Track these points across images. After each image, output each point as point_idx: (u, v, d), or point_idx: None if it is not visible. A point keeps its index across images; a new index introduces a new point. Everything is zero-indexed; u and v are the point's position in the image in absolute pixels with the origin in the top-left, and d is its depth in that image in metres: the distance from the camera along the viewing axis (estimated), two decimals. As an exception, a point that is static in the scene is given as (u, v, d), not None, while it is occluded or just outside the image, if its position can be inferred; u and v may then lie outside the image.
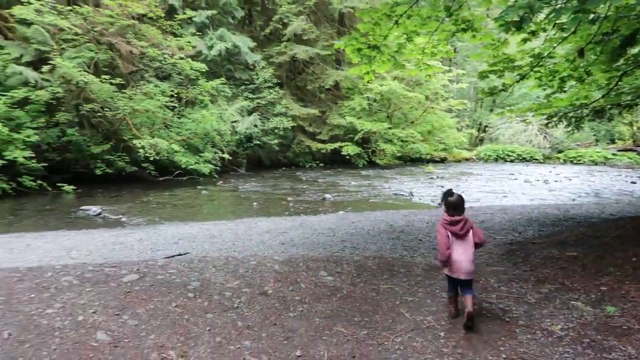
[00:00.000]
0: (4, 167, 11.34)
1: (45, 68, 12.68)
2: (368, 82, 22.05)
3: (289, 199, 12.62)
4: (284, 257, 5.36)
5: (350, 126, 22.86)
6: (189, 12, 18.11)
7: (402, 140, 23.79)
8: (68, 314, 3.34)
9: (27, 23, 13.16)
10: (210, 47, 18.26)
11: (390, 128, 23.65)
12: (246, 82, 20.89)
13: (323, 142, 23.26)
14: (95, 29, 14.21)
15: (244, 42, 19.89)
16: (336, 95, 24.98)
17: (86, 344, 3.00)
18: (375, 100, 24.25)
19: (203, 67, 15.92)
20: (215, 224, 8.78)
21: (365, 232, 7.58)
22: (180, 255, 5.68)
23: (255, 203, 11.76)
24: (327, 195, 12.86)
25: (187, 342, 3.17)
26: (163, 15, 16.08)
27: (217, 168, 15.79)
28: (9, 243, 7.08)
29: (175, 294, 3.89)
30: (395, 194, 13.57)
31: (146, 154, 13.45)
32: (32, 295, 3.58)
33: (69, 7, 14.00)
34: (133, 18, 15.00)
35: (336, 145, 22.85)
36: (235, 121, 17.39)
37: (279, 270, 4.74)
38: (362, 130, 22.59)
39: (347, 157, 22.97)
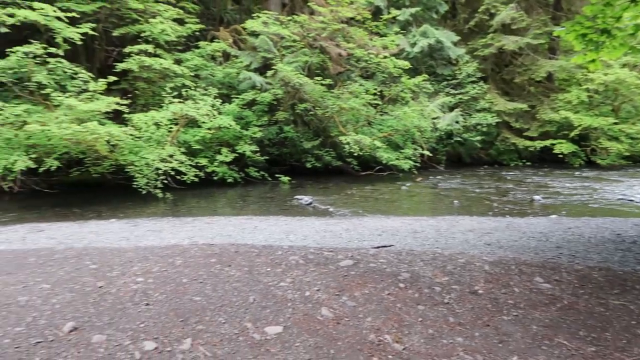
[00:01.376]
0: (236, 159, 13.27)
1: (269, 73, 14.42)
2: (590, 71, 19.49)
3: (493, 198, 11.98)
4: (493, 258, 5.12)
5: (564, 122, 20.54)
6: (393, 12, 18.54)
7: (631, 138, 20.42)
8: (297, 288, 3.77)
9: (256, 34, 15.14)
10: (413, 44, 18.42)
11: (616, 123, 20.52)
12: (448, 78, 20.47)
13: (531, 139, 21.39)
14: (309, 35, 15.60)
15: (447, 37, 19.52)
16: (548, 88, 22.71)
17: (313, 317, 3.34)
18: (597, 92, 21.31)
19: (406, 64, 16.16)
20: (416, 219, 8.85)
21: (585, 239, 6.77)
22: (385, 247, 5.89)
23: (455, 201, 11.48)
24: (536, 197, 11.81)
25: (401, 329, 3.28)
26: (370, 16, 16.79)
27: (417, 164, 15.89)
28: (241, 224, 8.28)
29: (387, 282, 4.06)
30: (622, 199, 11.74)
31: (351, 150, 14.27)
32: (268, 269, 4.14)
33: (289, 17, 15.65)
34: (342, 22, 16.01)
35: (547, 142, 20.79)
36: (436, 118, 17.24)
37: (489, 271, 4.55)
38: (579, 125, 20.10)
39: (560, 155, 20.71)
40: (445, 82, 20.35)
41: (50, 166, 10.51)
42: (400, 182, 14.42)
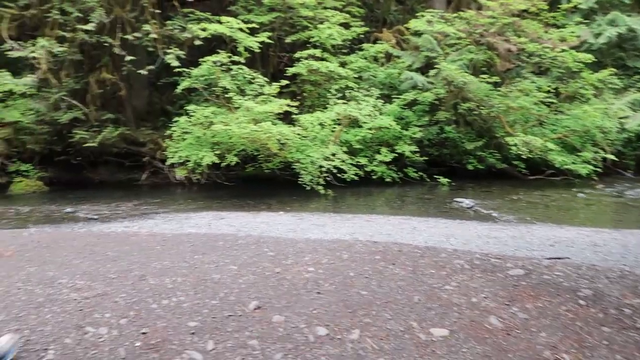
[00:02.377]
0: (395, 159, 13.33)
1: (431, 72, 14.17)
2: None
3: (697, 212, 10.12)
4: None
5: None
6: (574, 0, 16.73)
7: None
8: (463, 293, 3.67)
9: (419, 34, 15.00)
10: (598, 35, 16.37)
11: None
12: (640, 71, 17.78)
13: None
14: (476, 31, 14.92)
15: (640, 24, 16.94)
16: None
17: (480, 324, 3.22)
18: None
19: (589, 57, 14.46)
20: (596, 231, 7.90)
21: None
22: (560, 258, 5.39)
23: (647, 213, 9.98)
24: None
25: (582, 351, 2.98)
26: (546, 7, 15.42)
27: (598, 169, 14.12)
28: (400, 224, 8.31)
29: (564, 297, 3.72)
30: None
31: (518, 152, 13.29)
32: (432, 271, 4.11)
33: (454, 14, 15.17)
34: (513, 15, 14.98)
35: None
36: (624, 117, 15.08)
37: (697, 298, 3.87)
38: None
39: None
40: (637, 76, 17.71)
41: (230, 162, 11.83)
42: (576, 189, 13.00)
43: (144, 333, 2.85)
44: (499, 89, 14.57)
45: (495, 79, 14.32)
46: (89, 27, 12.03)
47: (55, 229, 6.68)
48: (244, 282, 3.74)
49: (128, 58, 12.31)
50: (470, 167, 14.27)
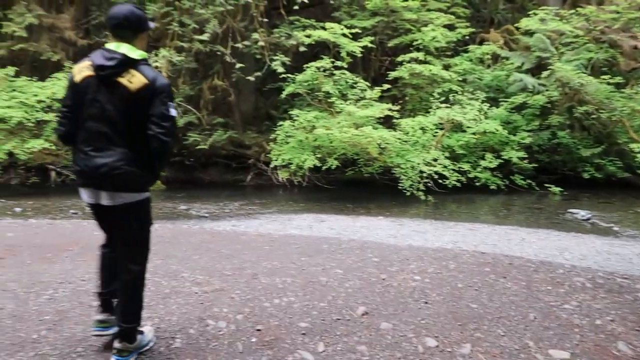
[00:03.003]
0: (500, 165, 12.69)
1: (543, 74, 13.29)
2: None
3: None
4: None
5: None
6: None
7: None
8: (585, 314, 3.40)
9: (530, 33, 14.15)
10: None
11: None
12: None
13: None
14: (596, 28, 13.75)
15: None
16: None
17: (607, 349, 2.96)
18: None
19: None
20: None
21: None
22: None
23: None
24: None
25: None
26: (680, -1, 13.79)
27: None
28: (507, 234, 7.89)
29: None
30: None
31: (644, 159, 12.02)
32: (549, 288, 3.86)
33: (572, 11, 14.11)
34: (640, 9, 13.59)
35: None
36: None
37: None
38: None
39: None
40: None
41: (331, 165, 12.04)
42: None
43: (258, 330, 3.00)
44: (622, 90, 13.29)
45: (618, 79, 13.09)
46: (204, 37, 12.93)
47: (174, 225, 7.26)
48: (350, 287, 3.79)
49: (238, 66, 13.03)
50: (586, 175, 13.16)
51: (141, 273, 2.58)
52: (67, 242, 5.25)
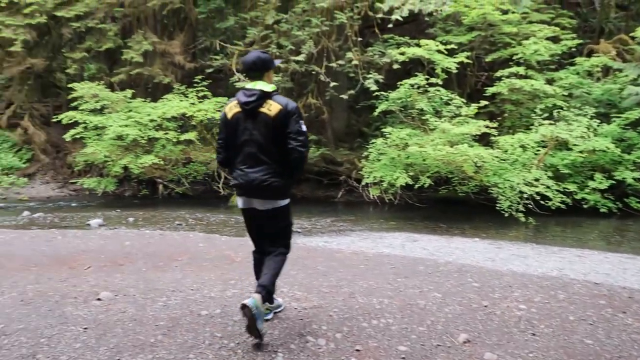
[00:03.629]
0: (612, 186, 11.66)
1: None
2: None
3: None
4: None
5: None
6: None
7: None
8: None
9: (648, 43, 12.96)
10: None
11: None
12: None
13: None
14: None
15: None
16: None
17: None
18: None
19: None
20: None
21: None
22: None
23: None
24: None
25: None
26: None
27: None
28: (621, 263, 7.22)
29: None
30: None
31: None
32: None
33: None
34: None
35: None
36: None
37: None
38: None
39: None
40: None
41: (424, 183, 11.82)
42: None
43: (357, 350, 3.00)
44: None
45: None
46: (300, 57, 13.38)
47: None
48: (450, 312, 3.67)
49: (332, 84, 13.32)
50: None
51: (285, 257, 3.25)
52: (176, 252, 5.65)
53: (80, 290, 4.06)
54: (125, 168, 13.60)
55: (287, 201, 3.18)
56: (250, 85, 3.08)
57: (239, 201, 3.23)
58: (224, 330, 3.23)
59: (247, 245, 6.29)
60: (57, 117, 14.49)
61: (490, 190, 11.32)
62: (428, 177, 11.86)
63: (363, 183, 12.79)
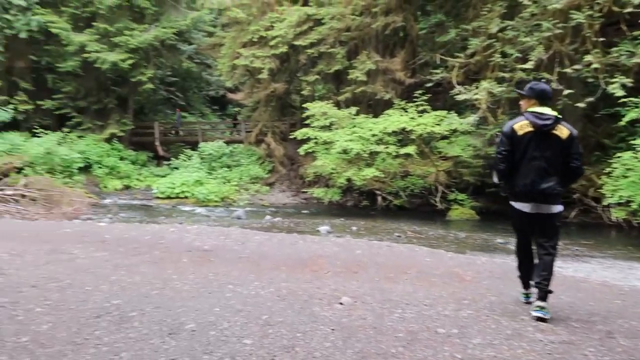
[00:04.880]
0: None
1: None
2: None
3: None
4: None
5: None
6: None
7: None
8: None
9: None
10: None
11: None
12: None
13: None
14: None
15: None
16: None
17: None
18: None
19: None
20: None
21: None
22: None
23: None
24: None
25: None
26: None
27: None
28: None
29: None
30: None
31: None
32: None
33: None
34: None
35: None
36: None
37: None
38: None
39: None
40: None
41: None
42: None
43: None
44: None
45: None
46: (528, 65, 12.43)
47: (502, 260, 7.10)
48: None
49: (566, 92, 12.00)
50: None
51: (556, 254, 3.87)
52: (404, 264, 5.76)
53: (324, 293, 4.46)
54: (349, 180, 14.60)
55: (562, 207, 3.90)
56: (539, 109, 3.75)
57: (523, 207, 3.84)
58: (463, 352, 3.14)
59: (475, 264, 6.08)
60: (292, 134, 16.44)
61: None
62: (696, 198, 9.72)
63: (604, 203, 11.16)
